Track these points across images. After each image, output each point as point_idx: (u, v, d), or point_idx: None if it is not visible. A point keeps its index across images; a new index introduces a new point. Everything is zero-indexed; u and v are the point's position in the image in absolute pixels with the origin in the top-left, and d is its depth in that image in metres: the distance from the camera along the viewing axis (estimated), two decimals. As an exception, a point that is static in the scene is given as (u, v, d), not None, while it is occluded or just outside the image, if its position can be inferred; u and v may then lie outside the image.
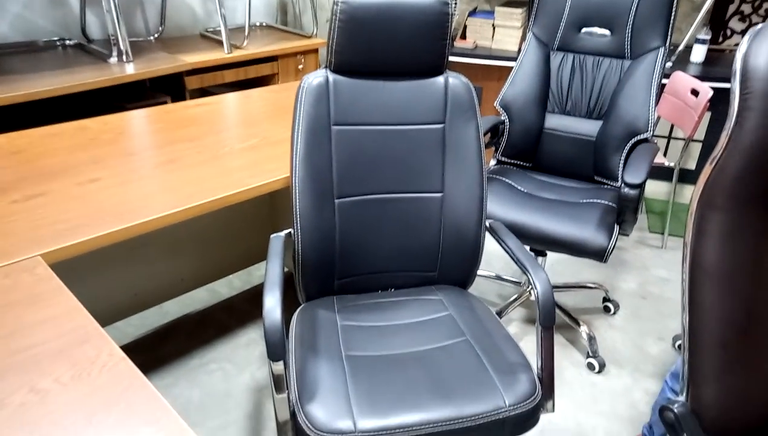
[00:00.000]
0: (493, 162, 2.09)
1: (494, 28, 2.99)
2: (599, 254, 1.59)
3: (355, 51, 1.18)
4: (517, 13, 2.90)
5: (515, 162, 2.05)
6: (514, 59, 2.85)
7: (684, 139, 2.83)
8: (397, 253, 1.32)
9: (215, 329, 1.94)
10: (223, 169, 1.46)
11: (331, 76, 1.21)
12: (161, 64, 2.34)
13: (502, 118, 2.01)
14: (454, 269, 1.33)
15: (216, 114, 1.86)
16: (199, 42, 2.86)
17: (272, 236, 1.24)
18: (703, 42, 2.72)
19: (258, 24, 3.27)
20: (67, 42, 2.53)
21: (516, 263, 1.17)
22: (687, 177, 3.04)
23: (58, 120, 2.26)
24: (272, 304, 0.99)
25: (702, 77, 2.45)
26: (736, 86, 0.70)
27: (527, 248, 1.92)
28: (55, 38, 2.54)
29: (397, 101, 1.25)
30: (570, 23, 1.93)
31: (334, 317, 1.22)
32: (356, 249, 1.29)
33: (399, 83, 1.25)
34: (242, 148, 1.60)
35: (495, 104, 2.01)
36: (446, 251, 1.32)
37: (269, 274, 1.07)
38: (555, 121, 1.99)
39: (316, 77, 1.20)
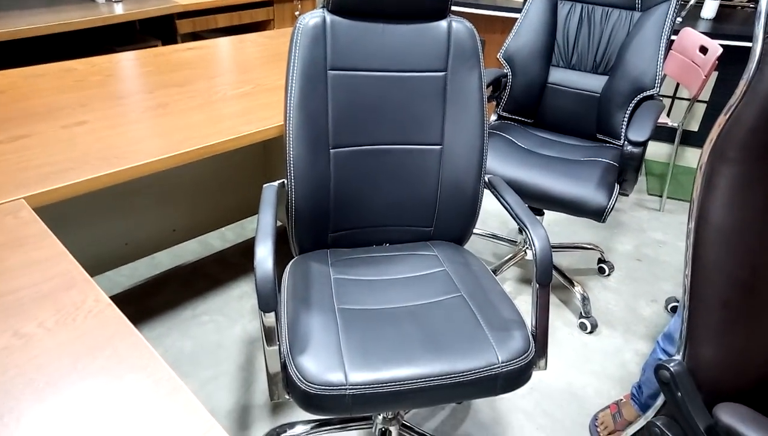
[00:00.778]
0: (493, 117, 2.03)
1: (499, -22, 2.87)
2: (598, 214, 1.57)
3: (354, -9, 1.11)
4: (524, -38, 2.77)
5: (517, 117, 2.00)
6: (519, 11, 2.74)
7: (689, 100, 2.77)
8: (392, 207, 1.29)
9: (207, 281, 1.92)
10: (216, 115, 1.41)
11: (329, 17, 1.15)
12: (151, 5, 2.24)
13: (505, 71, 1.94)
14: (451, 224, 1.30)
15: (208, 59, 1.79)
16: (191, -16, 2.73)
17: (265, 185, 1.20)
18: (716, -2, 2.62)
19: (253, -33, 3.13)
20: (52, -21, 2.41)
21: (514, 218, 1.15)
22: (689, 139, 2.99)
23: (43, 61, 2.17)
24: (264, 254, 0.96)
25: (712, 34, 2.37)
26: (759, 29, 0.65)
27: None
28: (40, -25, 2.41)
29: (397, 46, 1.19)
30: (580, -28, 1.84)
31: (328, 270, 1.20)
32: (351, 201, 1.25)
33: (399, 27, 1.18)
34: (235, 94, 1.54)
35: (498, 56, 1.94)
36: (443, 206, 1.29)
37: (261, 224, 1.04)
38: (559, 76, 1.92)
39: (313, 17, 1.14)
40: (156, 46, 2.39)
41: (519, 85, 1.93)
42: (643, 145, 1.51)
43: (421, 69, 1.20)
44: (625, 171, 1.58)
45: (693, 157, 2.98)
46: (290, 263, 1.24)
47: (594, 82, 1.88)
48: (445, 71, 1.21)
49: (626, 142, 1.53)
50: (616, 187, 1.61)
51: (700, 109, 2.93)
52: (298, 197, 1.19)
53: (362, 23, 1.16)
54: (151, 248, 1.92)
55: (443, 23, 1.20)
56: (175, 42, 2.46)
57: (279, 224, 1.20)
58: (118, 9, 2.17)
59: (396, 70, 1.20)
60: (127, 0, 2.28)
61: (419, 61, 1.20)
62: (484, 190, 1.28)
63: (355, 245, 1.32)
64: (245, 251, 2.15)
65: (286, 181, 1.19)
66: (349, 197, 1.25)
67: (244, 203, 2.19)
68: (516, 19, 2.85)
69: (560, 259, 2.19)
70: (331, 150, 1.20)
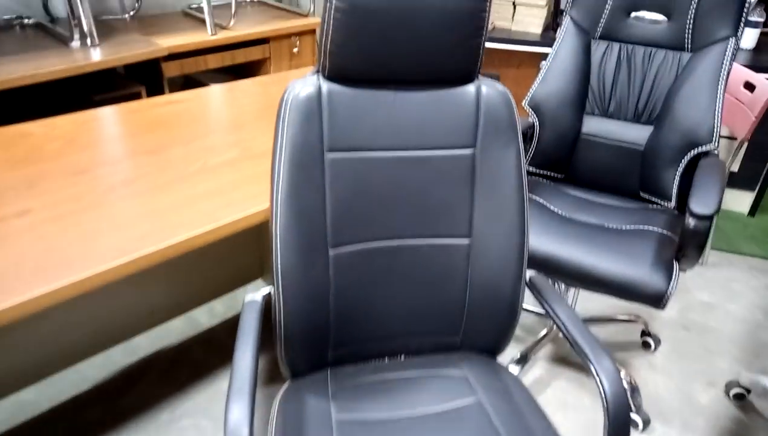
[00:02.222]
0: (518, 172, 1.77)
1: (515, 7, 2.64)
2: (655, 300, 1.30)
3: (357, 52, 0.86)
4: (542, -9, 2.54)
5: (545, 173, 1.74)
6: (537, 43, 2.51)
7: (729, 138, 2.51)
8: (409, 314, 1.02)
9: (191, 369, 1.66)
10: (190, 195, 1.16)
11: (325, 86, 0.90)
12: (132, 49, 2.01)
13: (531, 120, 1.69)
14: (483, 333, 1.04)
15: (190, 114, 1.55)
16: (181, 21, 2.51)
17: (246, 299, 0.94)
18: (756, 25, 2.38)
19: (249, 0, 2.91)
20: (26, 21, 2.19)
21: (570, 342, 0.88)
22: (730, 180, 2.72)
23: (10, 115, 1.95)
24: (238, 418, 0.70)
25: (755, 67, 2.12)
26: None
27: (563, 285, 1.63)
28: (13, 16, 2.19)
29: (413, 118, 0.93)
30: (617, 5, 1.59)
31: (328, 408, 0.93)
32: (357, 311, 0.99)
33: (416, 94, 0.93)
34: (217, 163, 1.29)
35: (523, 104, 1.69)
36: (473, 312, 1.02)
37: (237, 365, 0.78)
38: (595, 125, 1.67)
39: (304, 87, 0.89)
40: (139, 93, 2.16)
41: (548, 136, 1.68)
42: (710, 218, 1.24)
43: (442, 145, 0.95)
44: (685, 247, 1.31)
45: (735, 201, 2.70)
46: (280, 393, 0.98)
47: (636, 133, 1.62)
48: (473, 148, 0.95)
49: (689, 215, 1.26)
50: (675, 265, 1.34)
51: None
52: (289, 313, 0.92)
53: (368, 91, 0.91)
54: (125, 333, 1.67)
55: (471, 88, 0.94)
56: (160, 86, 2.23)
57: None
58: (95, 55, 1.94)
59: (411, 149, 0.94)
60: (106, 43, 2.05)
61: (441, 136, 0.95)
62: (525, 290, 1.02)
63: (363, 358, 1.06)
64: (237, 328, 1.89)
65: (272, 293, 0.93)
66: (355, 306, 0.98)
67: (237, 272, 1.94)
68: (534, 53, 2.62)
69: (595, 331, 1.91)
70: (330, 251, 0.94)
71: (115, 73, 2.25)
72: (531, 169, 1.75)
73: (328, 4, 0.81)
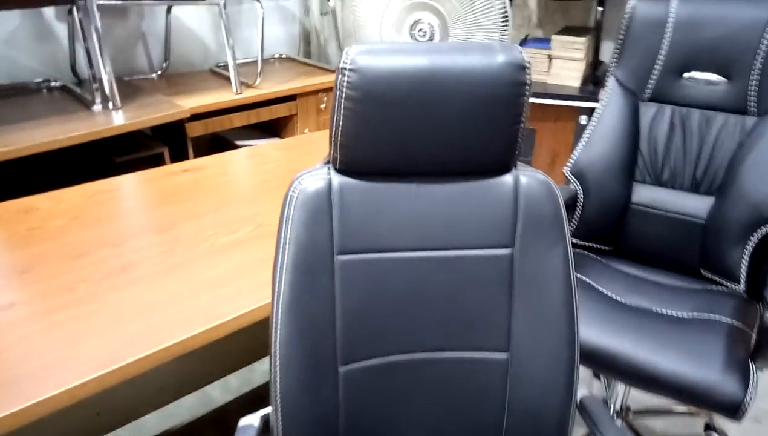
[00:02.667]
0: (560, 244, 1.61)
1: (550, 60, 2.52)
2: (731, 410, 1.10)
3: (373, 144, 0.74)
4: (579, 43, 2.42)
5: (592, 245, 1.57)
6: (575, 97, 2.37)
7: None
8: (435, 438, 0.86)
9: (199, 458, 1.52)
10: (194, 283, 1.04)
11: (336, 179, 0.78)
12: (155, 112, 1.97)
13: (573, 187, 1.54)
14: (524, 464, 0.86)
15: (206, 183, 1.46)
16: (208, 79, 2.49)
17: (240, 423, 0.80)
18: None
19: (277, 56, 2.90)
20: (53, 84, 2.19)
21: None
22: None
23: (32, 180, 1.91)
24: None
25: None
26: None
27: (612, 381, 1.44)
28: (41, 79, 2.20)
29: (439, 214, 0.80)
30: (668, 66, 1.45)
31: None
32: (372, 436, 0.84)
33: (442, 187, 0.80)
34: (228, 243, 1.18)
35: (565, 170, 1.54)
36: (512, 438, 0.85)
37: None
38: (646, 195, 1.50)
39: (314, 180, 0.77)
40: (162, 154, 2.11)
41: (594, 206, 1.52)
42: (794, 315, 1.05)
43: (474, 245, 0.81)
44: (764, 346, 1.11)
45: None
46: None
47: (694, 204, 1.44)
48: (510, 248, 0.81)
49: (764, 307, 1.07)
50: (752, 366, 1.14)
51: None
52: (291, 442, 0.78)
53: (385, 185, 0.79)
54: (131, 414, 1.55)
55: (507, 178, 0.81)
56: (185, 145, 2.18)
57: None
58: (117, 118, 1.90)
59: (437, 249, 0.80)
60: (129, 105, 2.02)
61: (472, 235, 0.81)
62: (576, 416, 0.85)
63: (380, 486, 0.90)
64: (253, 403, 1.75)
65: (271, 417, 0.79)
66: (370, 433, 0.83)
67: (253, 344, 1.81)
68: (573, 107, 2.48)
69: (652, 424, 1.69)
70: (340, 368, 0.80)
71: (140, 133, 2.22)
72: (575, 241, 1.58)
73: (338, 93, 0.70)
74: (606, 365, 1.21)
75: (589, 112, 2.24)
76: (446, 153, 0.76)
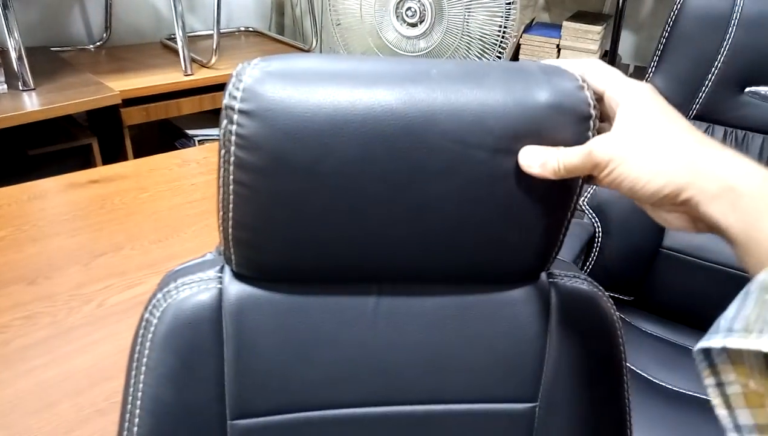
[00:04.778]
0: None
1: (559, 51, 2.17)
2: None
3: (292, 236, 0.40)
4: (594, 32, 2.07)
5: (608, 294, 1.26)
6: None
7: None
8: None
9: None
10: (45, 382, 0.70)
11: (232, 288, 0.44)
12: (76, 96, 1.59)
13: (588, 221, 1.22)
14: None
15: (115, 203, 1.10)
16: (157, 54, 2.10)
17: None
18: None
19: (243, 29, 2.50)
20: (-42, 54, 1.79)
21: None
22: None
23: None
24: None
25: None
26: None
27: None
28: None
29: (415, 348, 0.47)
30: (726, 76, 1.11)
31: None
32: None
33: (421, 302, 0.47)
34: (117, 305, 0.84)
35: (582, 202, 1.22)
36: None
37: None
38: (681, 238, 1.19)
39: (193, 294, 0.43)
40: (89, 145, 1.74)
41: (615, 248, 1.20)
42: None
43: (473, 398, 0.48)
44: None
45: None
46: None
47: (745, 255, 1.13)
48: (533, 402, 0.48)
49: None
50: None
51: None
52: None
53: (319, 299, 0.45)
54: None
55: (534, 290, 0.47)
56: (120, 135, 1.81)
57: None
58: (30, 103, 1.52)
59: (410, 403, 0.47)
60: (48, 85, 1.63)
61: (469, 381, 0.48)
62: None
63: None
64: None
65: None
66: None
67: None
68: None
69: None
70: None
71: (66, 120, 1.84)
72: (588, 290, 1.26)
73: (222, 151, 0.36)
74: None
75: (602, 114, 1.91)
76: (429, 250, 0.42)
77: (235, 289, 0.43)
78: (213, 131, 2.16)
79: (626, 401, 0.49)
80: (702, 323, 1.17)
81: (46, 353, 0.75)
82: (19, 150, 1.65)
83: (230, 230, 0.40)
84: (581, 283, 0.48)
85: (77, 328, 0.79)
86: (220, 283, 0.43)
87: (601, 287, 0.49)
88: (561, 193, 0.41)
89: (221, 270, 0.44)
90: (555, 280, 0.48)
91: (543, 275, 0.48)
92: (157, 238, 1.01)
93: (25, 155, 1.65)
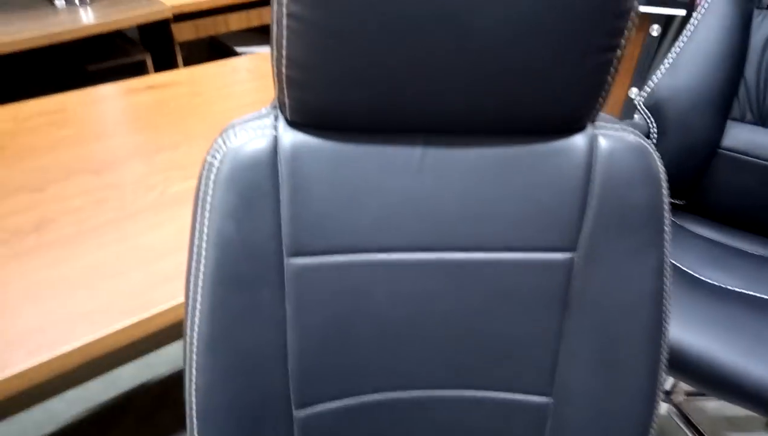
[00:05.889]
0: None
1: None
2: None
3: (344, 75, 0.42)
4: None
5: (659, 199, 1.23)
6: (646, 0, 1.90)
7: None
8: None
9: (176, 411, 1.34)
10: (122, 251, 0.78)
11: (287, 136, 0.46)
12: (129, 11, 1.63)
13: (642, 122, 1.18)
14: None
15: (171, 106, 1.15)
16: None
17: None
18: None
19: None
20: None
21: None
22: None
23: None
24: None
25: None
26: None
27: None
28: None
29: (459, 197, 0.49)
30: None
31: None
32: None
33: (465, 152, 0.48)
34: (180, 191, 0.90)
35: (637, 101, 1.17)
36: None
37: None
38: (745, 137, 1.13)
39: (249, 140, 0.46)
40: (143, 61, 1.79)
41: (670, 148, 1.16)
42: None
43: (513, 246, 0.50)
44: None
45: None
46: None
47: (812, 154, 1.08)
48: (571, 252, 0.50)
49: None
50: None
51: None
52: None
53: (369, 147, 0.47)
54: (103, 366, 1.36)
55: (578, 141, 0.48)
56: (172, 53, 1.85)
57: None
58: (85, 17, 1.57)
59: (453, 249, 0.50)
60: (100, 5, 1.67)
61: (510, 230, 0.50)
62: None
63: None
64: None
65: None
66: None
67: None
68: (642, 14, 1.99)
69: (702, 406, 1.43)
70: (295, 413, 0.53)
71: (121, 36, 1.88)
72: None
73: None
74: (679, 367, 0.93)
75: (664, 21, 1.79)
76: (475, 95, 0.43)
77: (289, 136, 0.46)
78: (261, 48, 2.16)
79: (665, 251, 0.49)
80: (753, 225, 1.14)
81: (116, 230, 0.82)
82: (79, 66, 1.72)
83: (284, 70, 0.42)
84: (628, 134, 0.48)
85: (142, 211, 0.86)
86: (276, 130, 0.46)
87: (647, 139, 0.48)
88: (611, 25, 0.40)
89: (276, 120, 0.47)
90: (600, 131, 0.48)
91: (589, 126, 0.48)
92: (212, 137, 1.05)
93: (85, 71, 1.71)
